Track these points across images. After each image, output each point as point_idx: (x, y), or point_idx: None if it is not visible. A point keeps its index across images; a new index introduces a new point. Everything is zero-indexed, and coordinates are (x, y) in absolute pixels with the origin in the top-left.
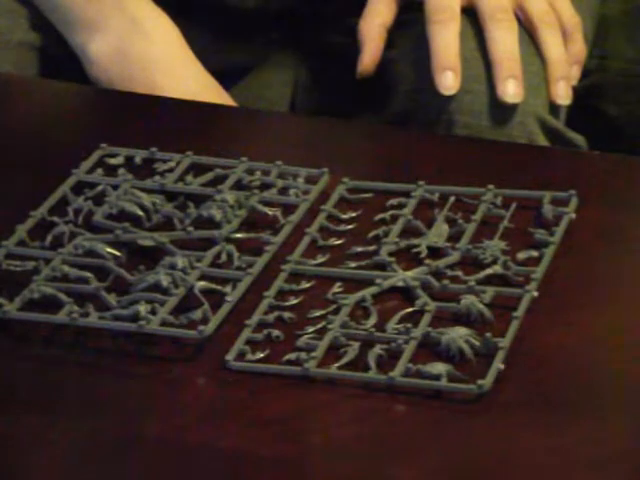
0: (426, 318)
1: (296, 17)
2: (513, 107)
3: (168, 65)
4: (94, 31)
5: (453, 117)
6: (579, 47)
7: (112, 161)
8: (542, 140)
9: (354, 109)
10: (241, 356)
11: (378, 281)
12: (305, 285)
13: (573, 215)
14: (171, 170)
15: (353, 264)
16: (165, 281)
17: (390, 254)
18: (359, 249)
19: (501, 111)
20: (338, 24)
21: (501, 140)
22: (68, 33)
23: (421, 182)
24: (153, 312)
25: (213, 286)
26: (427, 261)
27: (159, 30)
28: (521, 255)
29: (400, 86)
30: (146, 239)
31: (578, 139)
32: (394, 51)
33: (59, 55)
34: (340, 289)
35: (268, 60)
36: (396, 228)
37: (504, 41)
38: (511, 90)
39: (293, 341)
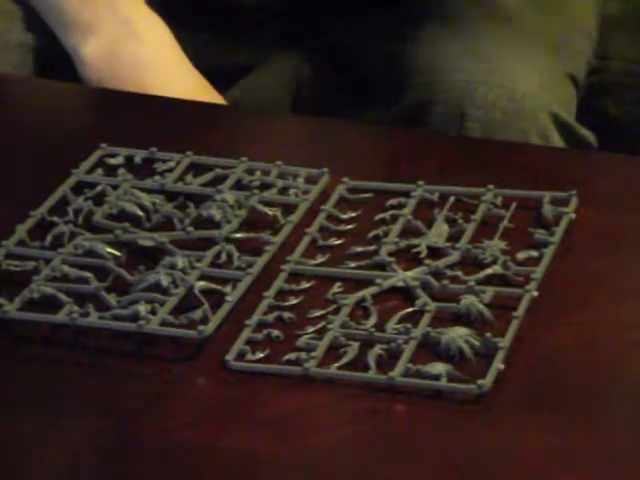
0: (426, 318)
1: (296, 16)
2: (526, 101)
3: (160, 67)
4: (88, 33)
5: (465, 110)
6: None
7: (112, 161)
8: (554, 135)
9: (358, 105)
10: (241, 356)
11: (378, 281)
12: (305, 285)
13: (573, 215)
14: (171, 170)
15: (353, 264)
16: (165, 281)
17: (390, 254)
18: (359, 249)
19: (514, 105)
20: (339, 23)
21: (513, 135)
22: (62, 35)
23: (421, 182)
24: (153, 312)
25: (213, 286)
26: (427, 261)
27: (151, 32)
28: (521, 255)
29: (413, 79)
30: (146, 239)
31: (589, 135)
32: (409, 45)
33: (56, 56)
34: (340, 289)
35: (268, 60)
36: (396, 228)
37: None
38: None
39: (293, 341)
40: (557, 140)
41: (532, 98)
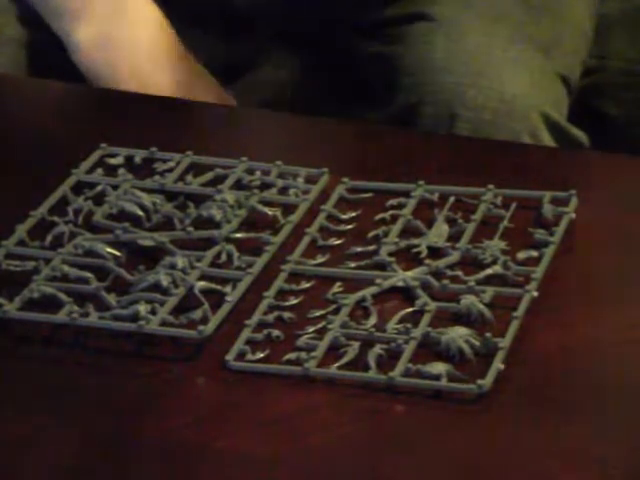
0: (426, 318)
1: (297, 17)
2: (516, 102)
3: (153, 51)
4: (80, 19)
5: (456, 111)
6: None
7: (112, 161)
8: (545, 135)
9: (357, 105)
10: (241, 356)
11: (378, 281)
12: (305, 285)
13: (573, 215)
14: (171, 170)
15: (353, 264)
16: (165, 281)
17: (390, 254)
18: (359, 249)
19: (504, 106)
20: (333, 24)
21: (503, 136)
22: (55, 22)
23: (421, 182)
24: (153, 312)
25: (213, 286)
26: (427, 261)
27: (145, 16)
28: (521, 255)
29: (404, 81)
30: (146, 239)
31: (580, 135)
32: (399, 46)
33: (51, 51)
34: (340, 289)
35: (264, 60)
36: (396, 228)
37: None
38: None
39: (293, 341)
40: (548, 140)
41: (522, 98)
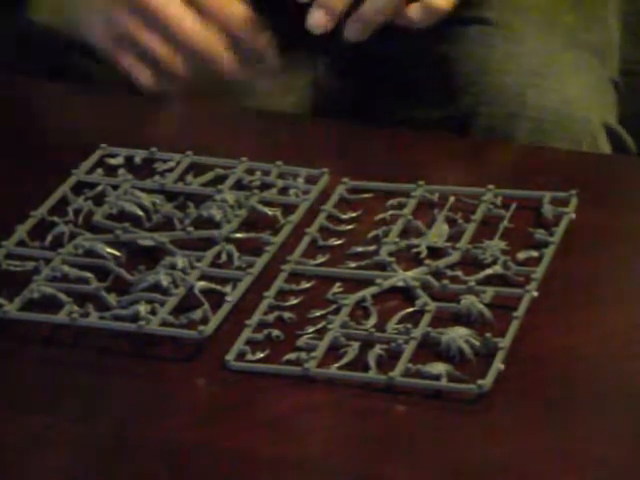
0: (426, 318)
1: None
2: (577, 104)
3: None
4: None
5: (516, 111)
6: None
7: (112, 161)
8: (603, 140)
9: (416, 105)
10: (241, 356)
11: (378, 281)
12: (305, 285)
13: (573, 215)
14: (171, 170)
15: (353, 264)
16: (165, 281)
17: (390, 254)
18: (359, 249)
19: (565, 107)
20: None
21: (563, 137)
22: None
23: (421, 182)
24: (153, 312)
25: (213, 286)
26: (427, 261)
27: None
28: (521, 255)
29: (462, 81)
30: (146, 239)
31: (630, 141)
32: (457, 48)
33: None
34: (340, 289)
35: (287, 61)
36: (396, 228)
37: None
38: (315, 19)
39: (293, 341)
40: (604, 144)
41: (583, 101)
